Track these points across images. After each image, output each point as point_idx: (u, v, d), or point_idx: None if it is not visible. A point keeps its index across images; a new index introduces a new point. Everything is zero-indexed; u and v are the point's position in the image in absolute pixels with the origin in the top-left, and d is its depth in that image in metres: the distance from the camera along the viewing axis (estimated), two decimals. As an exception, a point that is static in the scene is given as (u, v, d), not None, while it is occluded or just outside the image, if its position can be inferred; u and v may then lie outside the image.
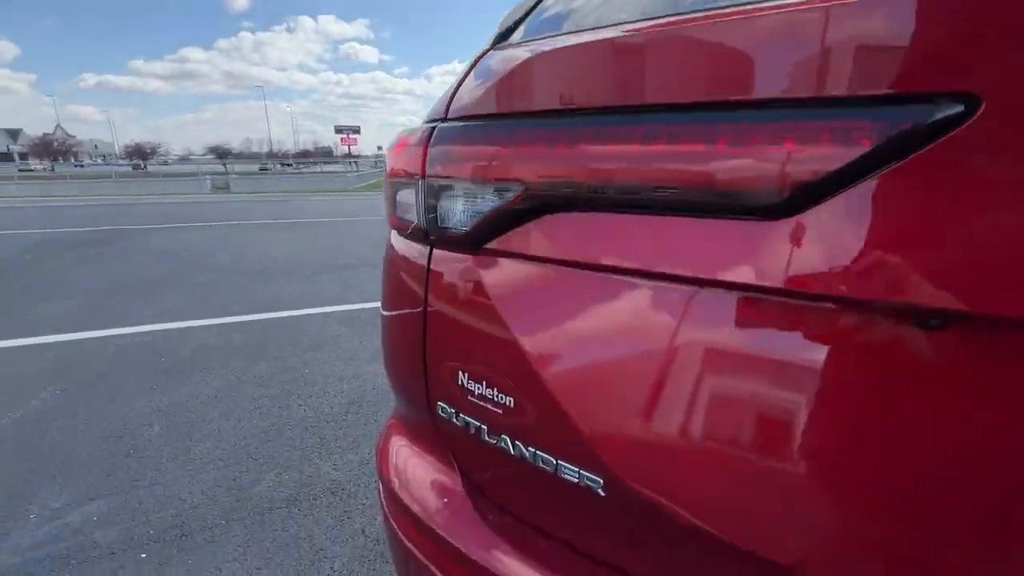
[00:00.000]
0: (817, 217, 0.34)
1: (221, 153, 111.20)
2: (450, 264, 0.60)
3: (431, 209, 0.59)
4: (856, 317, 0.34)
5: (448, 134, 0.58)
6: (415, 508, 0.66)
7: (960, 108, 0.29)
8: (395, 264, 0.75)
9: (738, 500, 0.40)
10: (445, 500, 0.64)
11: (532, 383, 0.50)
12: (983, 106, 0.28)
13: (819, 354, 0.36)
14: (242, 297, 4.43)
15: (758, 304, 0.39)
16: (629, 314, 0.45)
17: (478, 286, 0.56)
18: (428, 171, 0.59)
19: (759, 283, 0.37)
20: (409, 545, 0.68)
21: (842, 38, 0.33)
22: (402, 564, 0.73)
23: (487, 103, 0.55)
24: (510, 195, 0.50)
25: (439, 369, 0.62)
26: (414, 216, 0.63)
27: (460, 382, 0.59)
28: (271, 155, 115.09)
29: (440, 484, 0.67)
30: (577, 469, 0.48)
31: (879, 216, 0.32)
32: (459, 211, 0.56)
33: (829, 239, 0.34)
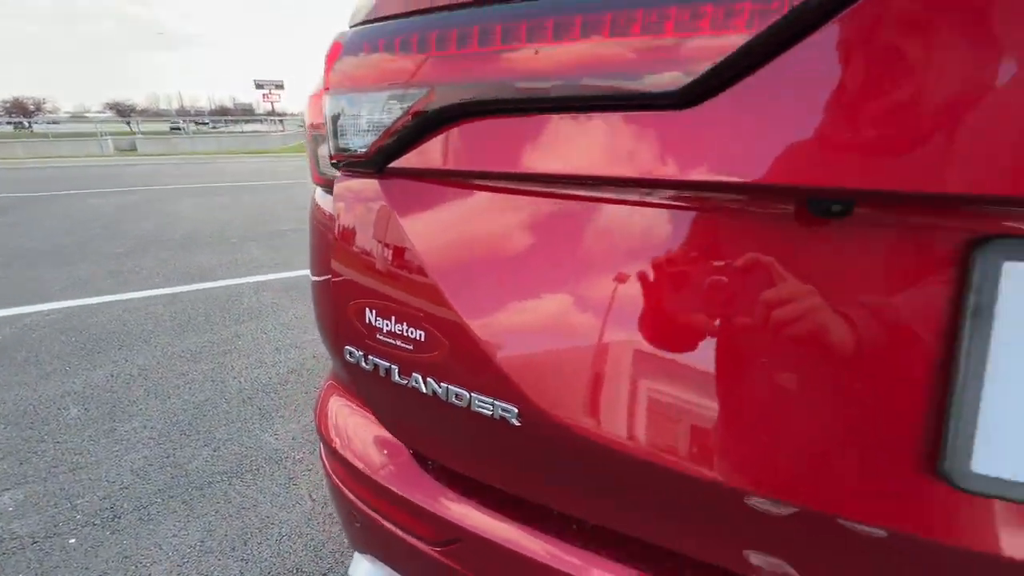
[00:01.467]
0: (722, 104, 0.35)
1: (123, 110, 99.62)
2: (354, 191, 0.57)
3: (336, 132, 0.56)
4: (763, 206, 0.36)
5: (350, 43, 0.53)
6: (355, 462, 0.68)
7: None
8: (313, 212, 0.73)
9: (651, 418, 0.43)
10: (384, 452, 0.66)
11: (442, 312, 0.49)
12: None
13: (730, 250, 0.37)
14: (164, 268, 4.11)
15: (670, 206, 0.40)
16: (538, 229, 0.45)
17: (382, 211, 0.54)
18: (331, 86, 0.55)
19: (667, 177, 0.37)
20: (352, 498, 0.70)
21: None
22: (346, 516, 0.75)
23: (384, 3, 0.51)
24: (410, 103, 0.48)
25: (346, 310, 0.59)
26: (327, 149, 0.59)
27: (368, 320, 0.57)
28: (182, 113, 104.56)
29: (378, 437, 0.68)
30: (491, 400, 0.49)
31: (780, 101, 0.33)
32: (361, 128, 0.53)
33: (737, 127, 0.34)
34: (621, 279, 0.41)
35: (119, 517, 1.55)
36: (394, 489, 0.63)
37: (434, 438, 0.61)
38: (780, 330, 0.36)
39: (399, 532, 0.64)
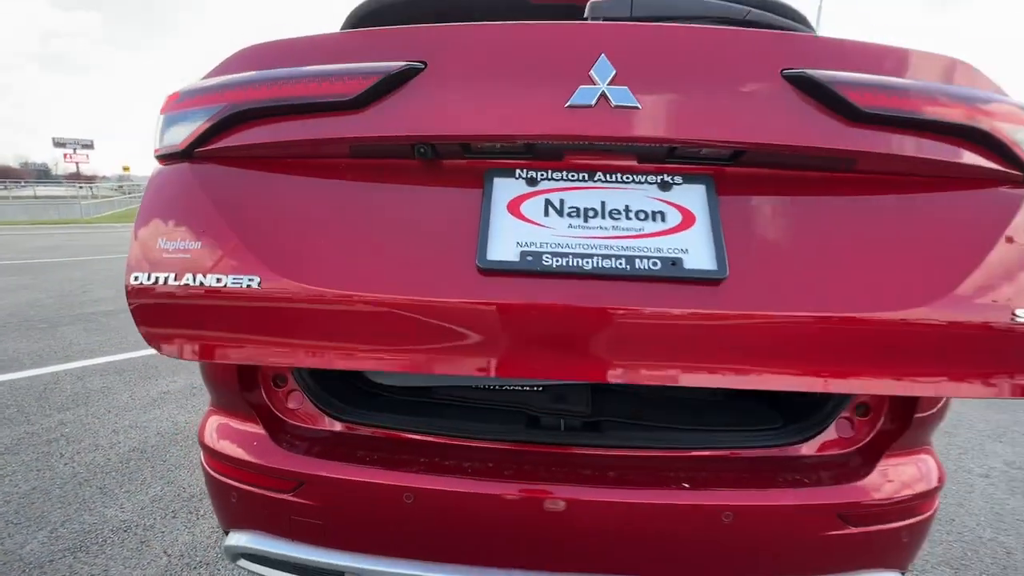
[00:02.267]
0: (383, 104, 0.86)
1: None
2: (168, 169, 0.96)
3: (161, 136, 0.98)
4: (400, 155, 0.91)
5: (183, 97, 0.97)
6: (230, 452, 1.06)
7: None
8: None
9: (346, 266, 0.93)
10: (248, 440, 1.06)
11: (213, 228, 0.86)
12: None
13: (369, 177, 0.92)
14: (-56, 363, 3.58)
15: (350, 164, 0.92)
16: (272, 179, 0.92)
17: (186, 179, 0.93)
18: (164, 110, 0.99)
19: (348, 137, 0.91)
20: (229, 481, 1.07)
21: None
22: (223, 499, 1.10)
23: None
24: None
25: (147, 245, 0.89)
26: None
27: (158, 246, 0.87)
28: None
29: (243, 432, 1.08)
30: (238, 276, 0.83)
31: (408, 106, 0.90)
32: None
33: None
34: (326, 204, 0.90)
35: (-58, 609, 1.53)
36: (258, 462, 1.03)
37: (204, 326, 0.89)
38: (420, 225, 0.89)
39: (263, 492, 1.03)
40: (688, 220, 0.85)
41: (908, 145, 0.84)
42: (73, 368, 3.52)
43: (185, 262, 0.85)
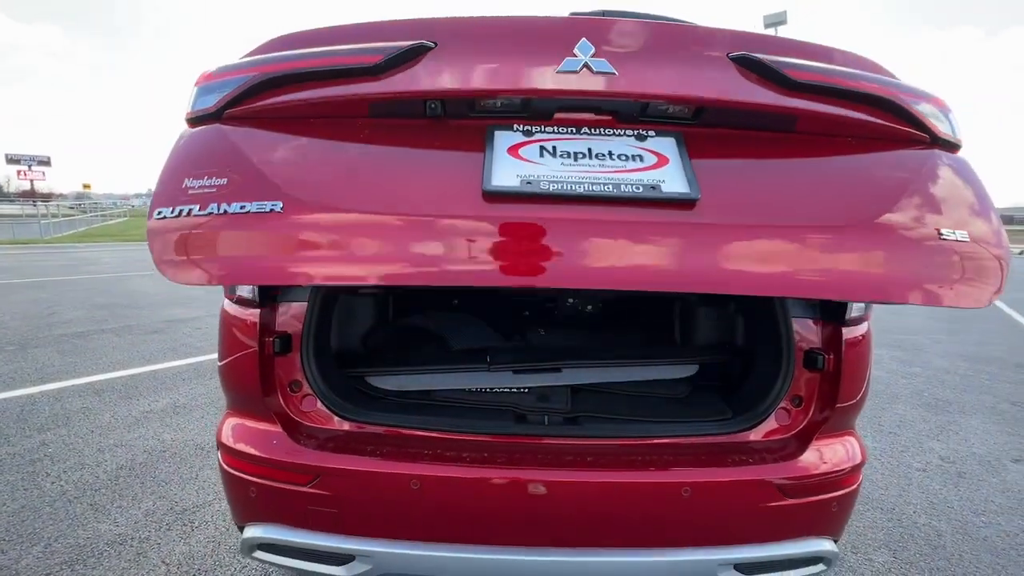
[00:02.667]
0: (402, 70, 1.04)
1: None
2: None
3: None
4: (416, 113, 1.06)
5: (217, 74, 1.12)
6: (248, 450, 1.18)
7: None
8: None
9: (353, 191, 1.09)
10: (266, 438, 1.19)
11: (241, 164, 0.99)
12: None
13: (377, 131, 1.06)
14: (-90, 387, 3.49)
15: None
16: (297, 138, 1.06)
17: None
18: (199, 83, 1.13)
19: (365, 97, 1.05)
20: (246, 477, 1.19)
21: None
22: (241, 494, 1.22)
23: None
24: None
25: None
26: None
27: (183, 185, 0.96)
28: None
29: (261, 431, 1.20)
30: (262, 202, 0.93)
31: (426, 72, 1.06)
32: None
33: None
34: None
35: (-58, 623, 1.56)
36: (278, 458, 1.16)
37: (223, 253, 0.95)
38: (431, 166, 1.06)
39: (282, 485, 1.16)
40: (663, 161, 1.04)
41: (832, 109, 1.07)
42: (50, 389, 3.48)
43: (211, 195, 0.93)
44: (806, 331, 1.30)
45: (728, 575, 1.15)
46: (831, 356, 1.24)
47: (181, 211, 0.93)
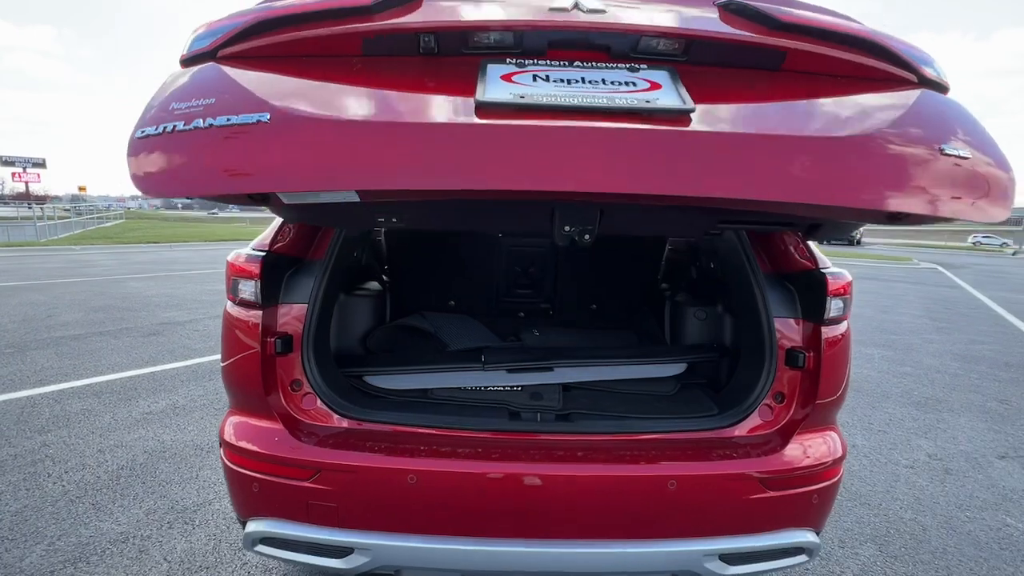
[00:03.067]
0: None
1: None
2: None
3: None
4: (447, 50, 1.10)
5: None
6: (251, 447, 1.23)
7: None
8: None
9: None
10: (268, 435, 1.23)
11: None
12: None
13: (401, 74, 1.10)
14: (-91, 390, 3.51)
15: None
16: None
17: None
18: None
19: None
20: (249, 473, 1.23)
21: None
22: (243, 490, 1.26)
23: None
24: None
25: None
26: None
27: (171, 107, 0.92)
28: None
29: (262, 428, 1.24)
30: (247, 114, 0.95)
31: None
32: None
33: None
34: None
35: (-51, 619, 1.59)
36: (281, 454, 1.20)
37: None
38: (425, 86, 1.01)
39: (283, 480, 1.20)
40: (656, 86, 1.01)
41: (816, 48, 1.06)
42: (49, 391, 3.51)
43: (197, 113, 0.89)
44: (787, 330, 1.35)
45: (713, 565, 1.20)
46: (811, 354, 1.30)
47: (165, 128, 0.90)
